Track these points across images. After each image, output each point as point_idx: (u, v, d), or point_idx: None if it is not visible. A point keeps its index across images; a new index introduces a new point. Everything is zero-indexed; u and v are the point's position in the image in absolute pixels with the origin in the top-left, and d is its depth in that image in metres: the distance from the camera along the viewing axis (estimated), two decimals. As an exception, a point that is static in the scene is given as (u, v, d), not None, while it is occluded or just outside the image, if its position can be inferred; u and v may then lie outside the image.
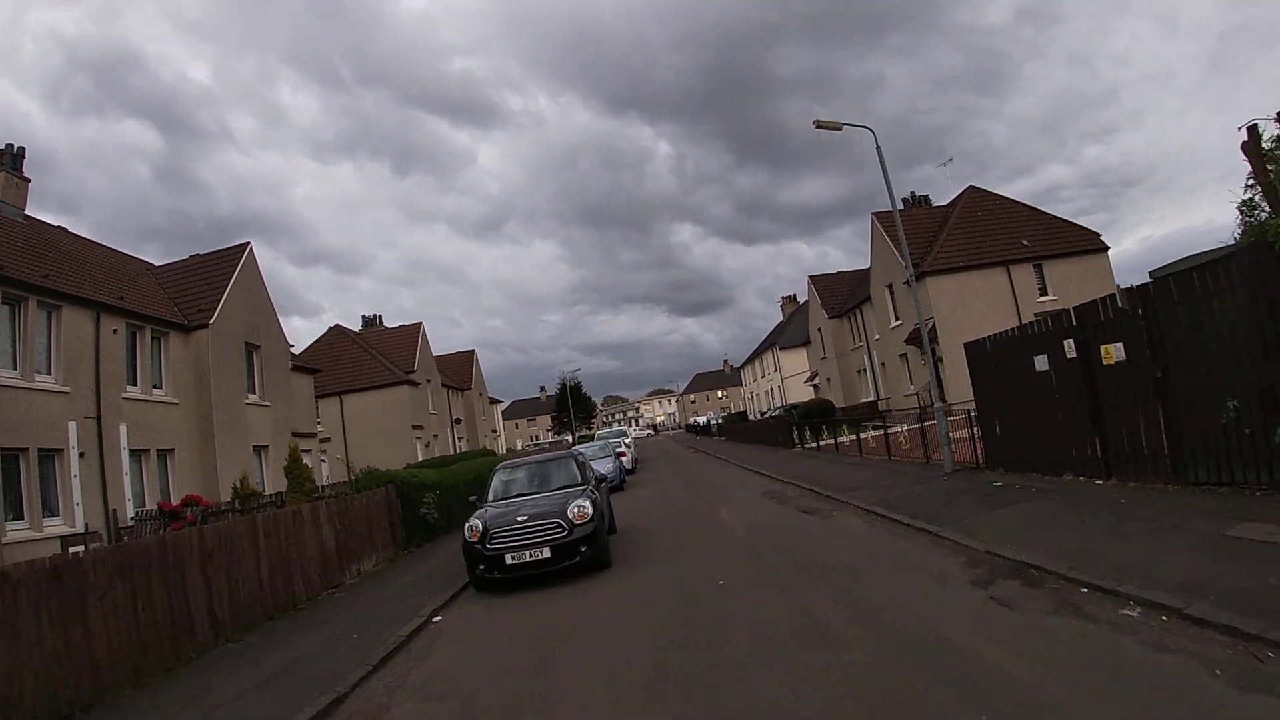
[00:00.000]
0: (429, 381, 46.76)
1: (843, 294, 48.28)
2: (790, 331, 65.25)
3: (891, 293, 37.12)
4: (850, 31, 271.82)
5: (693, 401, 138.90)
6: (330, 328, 47.86)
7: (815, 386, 54.21)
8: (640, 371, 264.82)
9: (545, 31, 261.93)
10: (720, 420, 73.65)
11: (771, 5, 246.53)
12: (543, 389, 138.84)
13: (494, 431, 64.16)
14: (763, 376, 72.51)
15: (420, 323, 48.12)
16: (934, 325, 32.24)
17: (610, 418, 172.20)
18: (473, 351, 60.31)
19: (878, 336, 40.58)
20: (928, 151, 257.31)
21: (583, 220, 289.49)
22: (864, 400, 43.55)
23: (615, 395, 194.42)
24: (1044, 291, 33.80)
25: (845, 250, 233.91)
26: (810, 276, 50.50)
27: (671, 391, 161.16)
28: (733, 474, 24.58)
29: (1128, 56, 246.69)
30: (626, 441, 36.33)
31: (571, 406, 79.87)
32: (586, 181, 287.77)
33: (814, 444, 27.58)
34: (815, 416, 33.42)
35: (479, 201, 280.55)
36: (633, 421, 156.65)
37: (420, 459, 42.42)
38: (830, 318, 47.26)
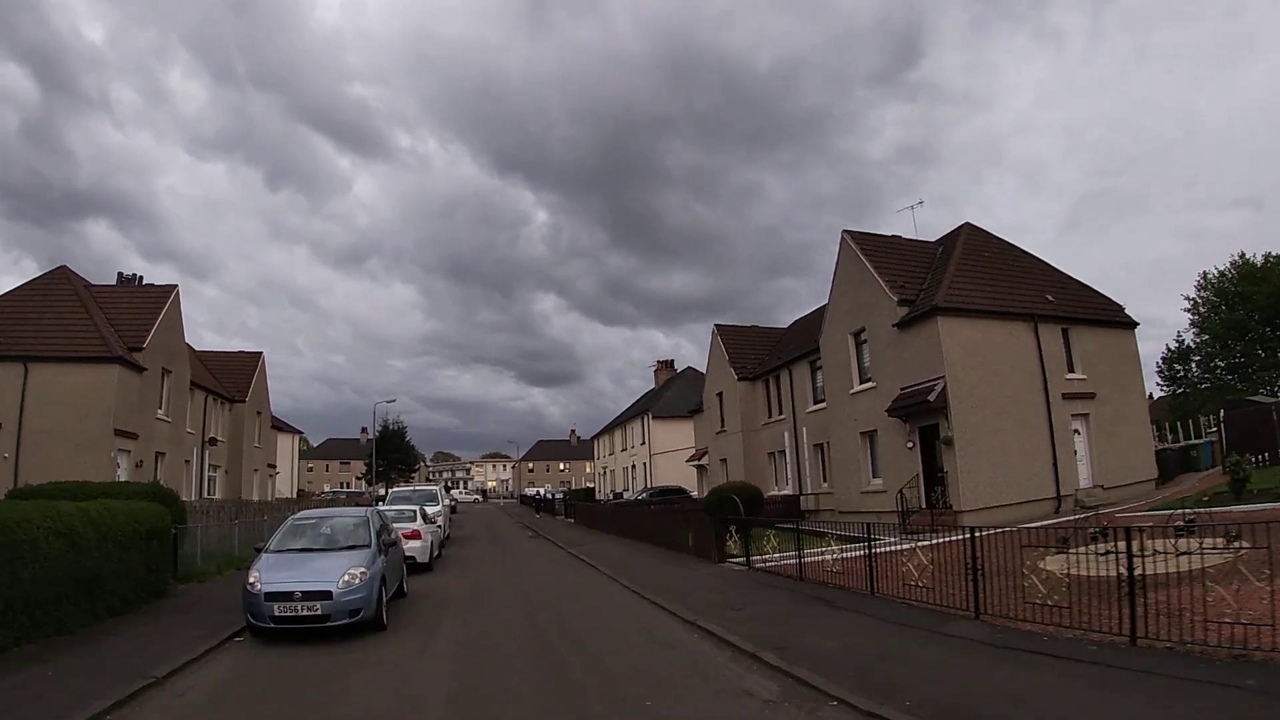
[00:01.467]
0: (167, 373, 31.74)
1: (757, 353, 37.09)
2: (666, 401, 53.58)
3: (859, 343, 25.85)
4: (740, 140, 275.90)
5: (531, 470, 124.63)
6: (56, 268, 32.24)
7: (702, 467, 42.28)
8: (479, 433, 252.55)
9: (449, 78, 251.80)
10: (563, 495, 60.57)
11: (672, 101, 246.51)
12: (364, 430, 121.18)
13: (272, 467, 48.41)
14: (623, 450, 60.21)
15: (175, 285, 33.19)
16: (944, 389, 21.06)
17: (437, 474, 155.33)
18: (260, 354, 45.08)
19: (818, 406, 29.25)
20: (792, 265, 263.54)
21: (447, 272, 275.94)
22: (778, 492, 31.84)
23: (446, 452, 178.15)
24: (1071, 367, 23.50)
25: (700, 346, 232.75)
26: (717, 326, 39.05)
27: (507, 457, 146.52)
28: (646, 620, 11.46)
29: (991, 205, 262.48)
30: (432, 510, 23.27)
31: (375, 454, 65.16)
32: (459, 234, 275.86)
33: (765, 558, 15.07)
34: (744, 508, 21.26)
35: (346, 231, 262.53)
36: (461, 483, 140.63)
37: (124, 480, 27.83)
38: (740, 379, 35.75)
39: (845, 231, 26.81)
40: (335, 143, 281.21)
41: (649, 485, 48.57)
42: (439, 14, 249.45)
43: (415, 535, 17.68)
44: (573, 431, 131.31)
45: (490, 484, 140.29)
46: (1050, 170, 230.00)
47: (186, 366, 33.95)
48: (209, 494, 38.15)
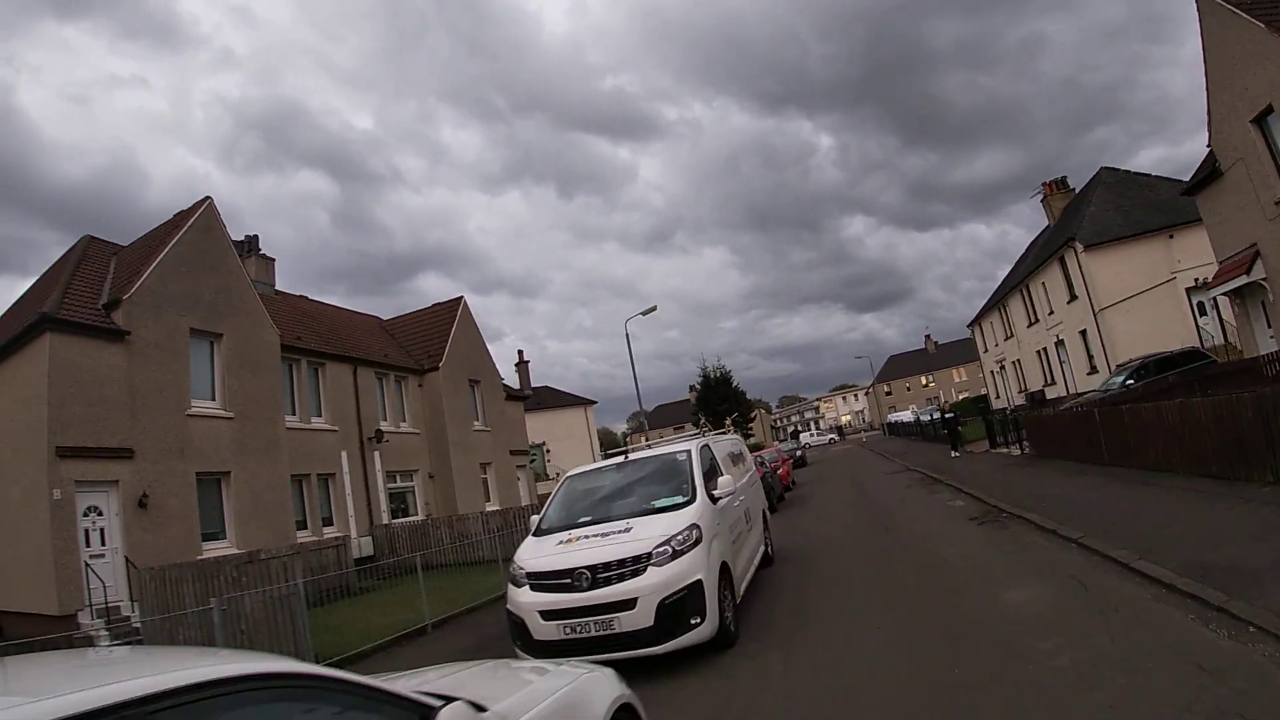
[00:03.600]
0: (211, 338, 17.89)
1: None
2: (1095, 220, 31.77)
3: None
4: None
5: (888, 393, 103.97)
6: (83, 238, 20.00)
7: (1246, 289, 20.56)
8: (821, 373, 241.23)
9: (690, 40, 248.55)
10: (942, 415, 38.51)
11: None
12: (692, 388, 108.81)
13: (521, 454, 34.19)
14: (1029, 326, 39.04)
15: (207, 198, 19.25)
16: None
17: (785, 419, 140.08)
18: (460, 300, 30.89)
19: None
20: (1100, 113, 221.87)
21: (750, 224, 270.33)
22: None
23: (791, 395, 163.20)
24: None
25: (1027, 227, 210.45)
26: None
27: (854, 387, 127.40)
28: None
29: None
30: (680, 532, 6.92)
31: (698, 406, 50.31)
32: (750, 184, 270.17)
33: None
34: None
35: (645, 216, 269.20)
36: (811, 424, 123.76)
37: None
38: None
39: None
40: (609, 138, 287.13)
41: (1114, 363, 28.10)
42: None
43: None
44: (928, 337, 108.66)
45: (844, 418, 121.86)
46: None
47: (264, 323, 19.82)
48: (403, 515, 24.49)
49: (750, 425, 68.58)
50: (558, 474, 46.57)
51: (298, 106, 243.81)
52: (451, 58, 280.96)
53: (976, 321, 50.38)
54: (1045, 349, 37.14)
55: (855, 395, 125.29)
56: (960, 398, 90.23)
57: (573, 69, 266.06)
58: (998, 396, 47.40)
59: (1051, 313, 34.93)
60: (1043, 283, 35.29)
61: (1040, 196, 42.06)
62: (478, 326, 31.09)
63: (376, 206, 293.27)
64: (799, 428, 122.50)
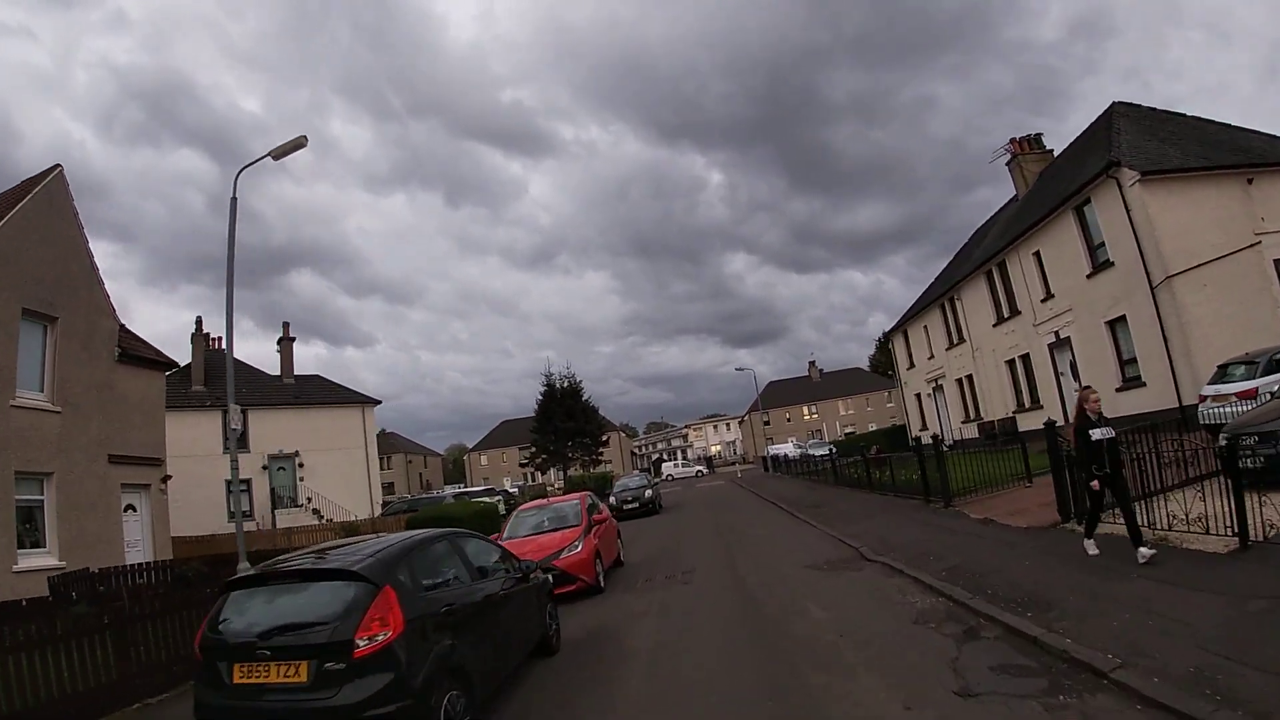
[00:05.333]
0: None
1: None
2: (1137, 149, 20.32)
3: None
4: (901, 53, 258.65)
5: (766, 423, 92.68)
6: None
7: None
8: (694, 403, 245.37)
9: (595, 61, 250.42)
10: (831, 450, 27.00)
11: (820, 29, 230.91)
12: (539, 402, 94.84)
13: (152, 463, 19.46)
14: (999, 323, 27.40)
15: None
16: None
17: (650, 446, 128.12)
18: (54, 169, 16.48)
19: None
20: (983, 174, 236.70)
21: (635, 251, 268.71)
22: None
23: (658, 422, 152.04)
24: None
25: (901, 279, 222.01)
26: None
27: (721, 416, 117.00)
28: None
29: (1181, 69, 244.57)
30: None
31: (538, 424, 36.93)
32: (638, 212, 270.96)
33: None
34: None
35: (531, 233, 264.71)
36: (678, 453, 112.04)
37: None
38: None
39: None
40: (502, 150, 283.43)
41: (1201, 363, 16.35)
42: (568, 1, 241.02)
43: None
44: (812, 364, 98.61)
45: (714, 448, 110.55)
46: (1234, 14, 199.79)
47: None
48: None
49: (601, 449, 55.07)
50: (308, 500, 31.99)
51: (186, 80, 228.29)
52: (351, 49, 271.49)
53: (901, 328, 38.93)
54: (1026, 355, 25.57)
55: (728, 424, 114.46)
56: (845, 433, 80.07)
57: (474, 76, 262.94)
58: (924, 428, 35.97)
59: (1049, 297, 23.29)
60: (1036, 252, 23.64)
61: (1006, 158, 30.86)
62: (80, 224, 16.66)
63: (255, 195, 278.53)
64: (664, 456, 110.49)
